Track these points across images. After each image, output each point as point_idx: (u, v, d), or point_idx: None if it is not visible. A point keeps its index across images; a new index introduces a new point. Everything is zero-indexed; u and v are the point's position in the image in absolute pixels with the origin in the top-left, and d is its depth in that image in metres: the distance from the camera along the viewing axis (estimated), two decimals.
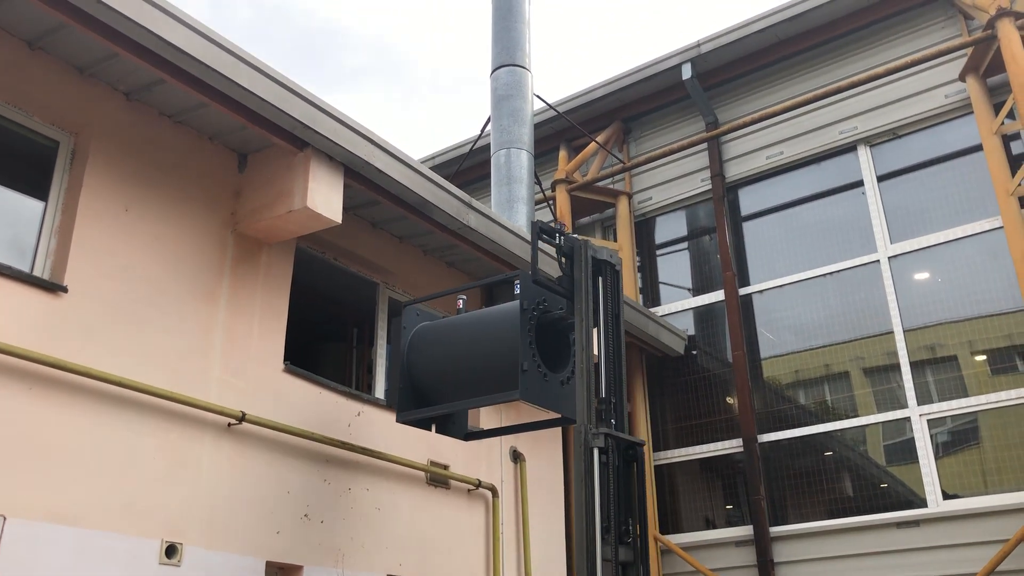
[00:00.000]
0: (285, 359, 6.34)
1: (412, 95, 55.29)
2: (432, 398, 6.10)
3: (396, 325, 6.26)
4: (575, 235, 5.85)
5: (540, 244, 6.07)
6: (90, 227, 5.33)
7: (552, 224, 5.70)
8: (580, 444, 5.02)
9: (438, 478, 7.26)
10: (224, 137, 6.17)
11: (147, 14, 4.92)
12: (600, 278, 5.62)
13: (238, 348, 6.02)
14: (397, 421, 6.13)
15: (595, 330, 5.52)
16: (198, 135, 6.11)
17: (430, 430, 6.35)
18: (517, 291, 5.55)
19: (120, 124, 5.67)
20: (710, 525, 9.30)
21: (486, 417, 7.98)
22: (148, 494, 5.22)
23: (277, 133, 5.81)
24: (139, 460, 5.22)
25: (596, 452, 5.00)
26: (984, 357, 8.21)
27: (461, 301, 6.34)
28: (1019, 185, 8.01)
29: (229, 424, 5.77)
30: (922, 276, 8.74)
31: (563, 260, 5.61)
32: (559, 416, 5.89)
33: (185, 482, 5.44)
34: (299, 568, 5.99)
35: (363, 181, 6.38)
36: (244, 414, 5.80)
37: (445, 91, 55.05)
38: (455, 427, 6.41)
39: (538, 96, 9.93)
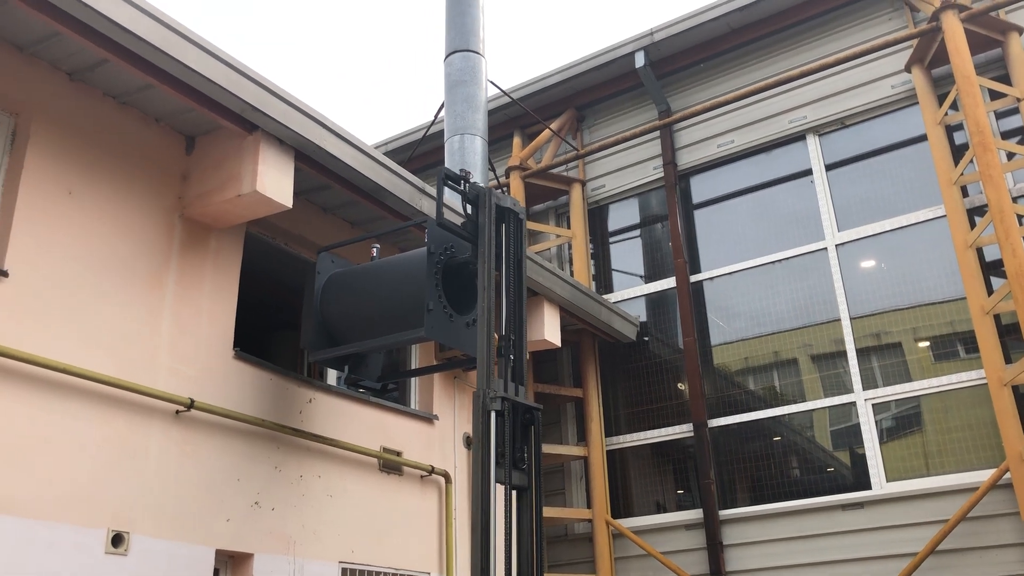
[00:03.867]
0: (235, 345, 6.26)
1: (367, 64, 54.72)
2: (344, 339, 6.31)
3: (311, 269, 6.42)
4: (479, 183, 6.11)
5: None
6: (32, 210, 5.20)
7: (459, 171, 5.90)
8: (478, 407, 5.24)
9: (391, 464, 7.25)
10: (171, 119, 6.05)
11: None
12: (504, 225, 5.87)
13: (187, 334, 5.93)
14: (310, 360, 6.35)
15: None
16: (144, 117, 5.99)
17: (343, 370, 6.58)
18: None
19: (63, 105, 5.53)
20: (661, 509, 9.41)
21: (443, 400, 7.98)
22: (94, 483, 5.13)
23: (226, 115, 5.71)
24: (84, 448, 5.13)
25: (493, 415, 5.20)
26: (927, 343, 8.41)
27: (375, 250, 6.60)
28: (961, 175, 8.19)
29: (177, 411, 5.69)
30: (868, 264, 8.91)
31: (468, 207, 5.86)
32: (465, 356, 6.24)
33: (132, 470, 5.35)
34: (249, 556, 5.93)
35: (314, 165, 6.30)
36: (193, 401, 5.72)
37: (400, 63, 54.57)
38: (368, 370, 6.69)
39: (492, 82, 9.90)
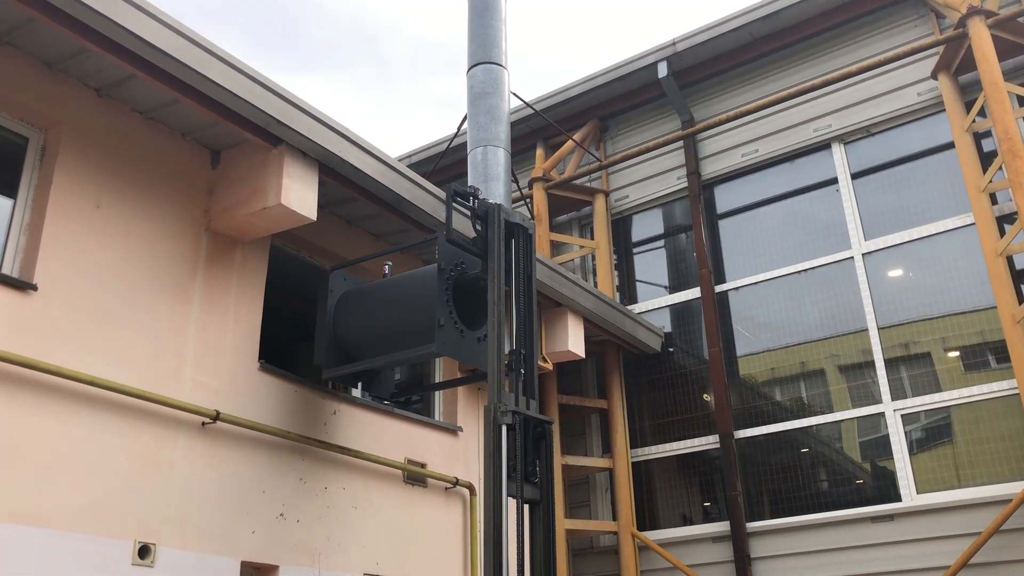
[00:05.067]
0: (260, 357, 6.29)
1: (388, 76, 54.82)
2: (358, 356, 6.39)
3: (323, 288, 6.50)
4: (485, 194, 6.20)
5: None
6: (60, 225, 5.27)
7: (468, 188, 6.00)
8: (489, 421, 5.28)
9: (415, 476, 7.24)
10: (197, 133, 6.11)
11: (118, 9, 4.87)
12: (513, 240, 5.97)
13: (212, 347, 5.96)
14: (323, 378, 6.41)
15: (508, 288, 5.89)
16: (170, 132, 6.05)
17: (356, 387, 6.74)
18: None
19: (91, 121, 5.60)
20: (687, 521, 9.33)
21: (468, 411, 7.98)
22: (120, 495, 5.17)
23: (250, 129, 5.77)
24: (111, 460, 5.16)
25: (504, 429, 5.24)
26: (957, 353, 8.29)
27: (387, 267, 6.69)
28: (990, 182, 8.09)
29: (203, 423, 5.72)
30: (896, 273, 8.81)
31: (477, 223, 5.97)
32: (476, 371, 6.39)
33: (158, 482, 5.38)
34: (275, 568, 5.94)
35: (338, 178, 6.34)
36: (219, 413, 5.75)
37: (422, 75, 54.68)
38: (381, 386, 6.79)
39: (515, 94, 9.89)
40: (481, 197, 6.09)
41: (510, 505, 5.34)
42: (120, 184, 5.66)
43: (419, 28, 52.11)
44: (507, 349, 5.75)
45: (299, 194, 5.93)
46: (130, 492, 5.22)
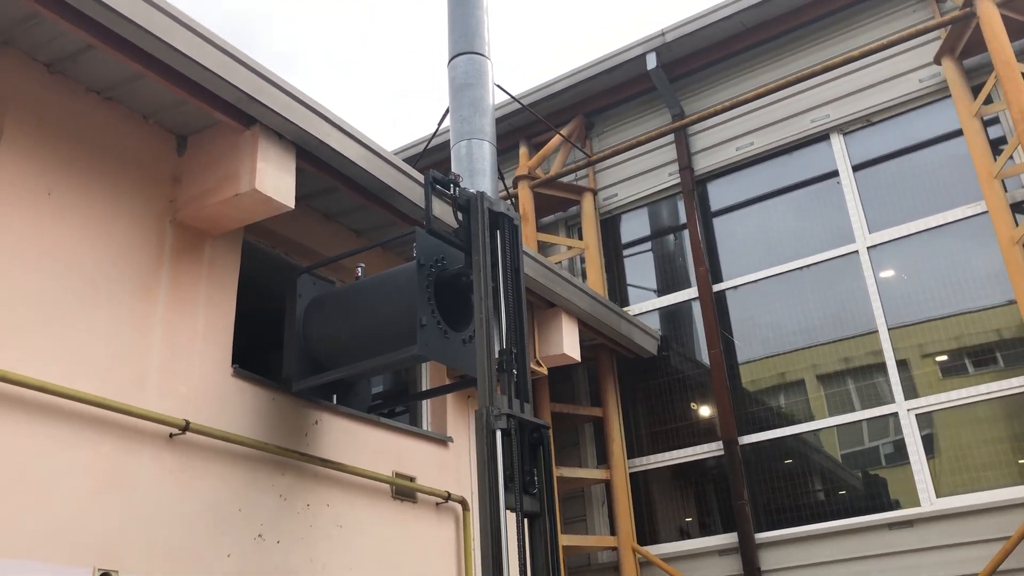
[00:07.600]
0: (233, 362, 5.70)
1: (353, 87, 54.00)
2: (331, 366, 5.84)
3: (291, 293, 5.97)
4: (469, 188, 5.66)
5: None
6: (7, 214, 4.67)
7: (448, 176, 5.50)
8: (482, 427, 4.78)
9: (404, 491, 6.67)
10: (161, 115, 5.53)
11: None
12: (498, 231, 5.44)
13: (180, 350, 5.37)
14: (292, 392, 5.83)
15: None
16: (131, 114, 5.47)
17: (332, 400, 6.14)
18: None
19: (41, 100, 5.01)
20: (691, 534, 8.81)
21: (457, 420, 7.44)
22: (78, 516, 4.55)
23: (221, 108, 5.21)
24: (67, 477, 4.55)
25: (499, 435, 4.75)
26: (972, 348, 7.89)
27: (359, 268, 6.13)
28: (1002, 168, 7.72)
29: (171, 434, 5.12)
30: (904, 266, 8.40)
31: (459, 214, 5.44)
32: (464, 376, 5.87)
33: (121, 501, 4.77)
34: None
35: (317, 164, 5.79)
36: (188, 423, 5.15)
37: (397, 68, 53.74)
38: (357, 398, 6.26)
39: (499, 86, 9.42)
40: (462, 185, 5.59)
41: (507, 519, 4.82)
42: (74, 170, 5.07)
43: (397, 26, 51.09)
44: (496, 349, 5.22)
45: (275, 179, 5.37)
46: (88, 513, 4.61)
